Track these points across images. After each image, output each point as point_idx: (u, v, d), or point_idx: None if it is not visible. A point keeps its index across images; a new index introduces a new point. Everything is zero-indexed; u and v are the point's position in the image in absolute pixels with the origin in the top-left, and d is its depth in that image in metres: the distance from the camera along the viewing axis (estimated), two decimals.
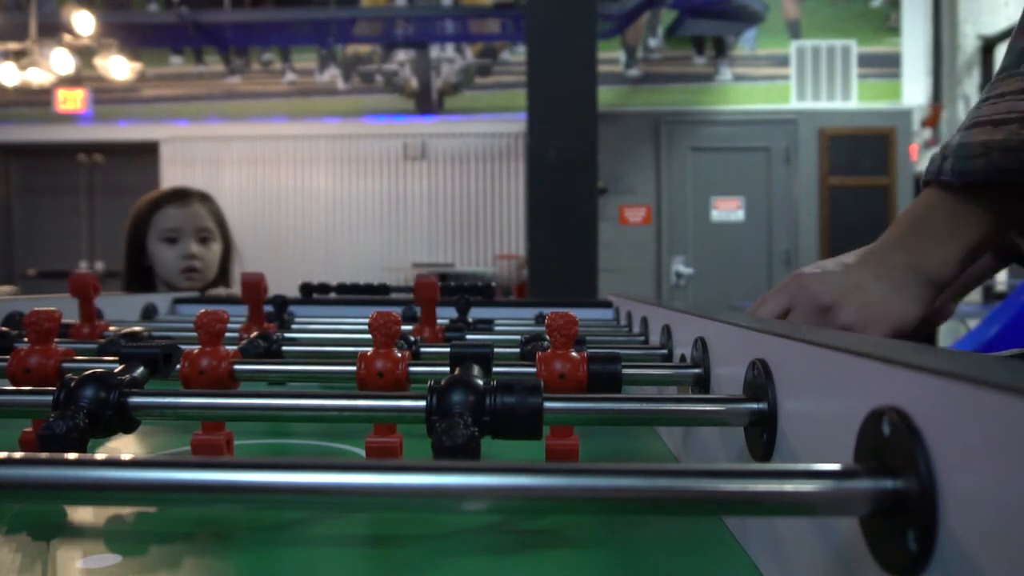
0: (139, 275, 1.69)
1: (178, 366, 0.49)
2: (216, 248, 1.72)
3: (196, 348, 0.50)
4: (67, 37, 5.07)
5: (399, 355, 0.48)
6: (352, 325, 1.01)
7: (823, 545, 0.28)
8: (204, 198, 1.75)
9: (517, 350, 0.64)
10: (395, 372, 0.47)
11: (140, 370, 0.43)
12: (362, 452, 0.58)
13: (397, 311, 0.51)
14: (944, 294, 0.60)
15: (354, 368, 0.48)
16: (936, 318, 0.65)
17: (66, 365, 0.50)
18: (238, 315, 1.15)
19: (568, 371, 0.46)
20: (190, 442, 0.49)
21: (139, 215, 1.69)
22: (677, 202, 5.72)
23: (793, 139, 5.68)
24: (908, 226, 0.61)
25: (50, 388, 0.40)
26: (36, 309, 0.51)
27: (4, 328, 0.72)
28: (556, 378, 0.46)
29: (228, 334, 0.65)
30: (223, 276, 1.76)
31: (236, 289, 1.74)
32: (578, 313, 0.52)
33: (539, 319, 1.08)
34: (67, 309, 1.03)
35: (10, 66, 5.01)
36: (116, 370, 0.41)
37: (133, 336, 0.70)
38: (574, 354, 0.47)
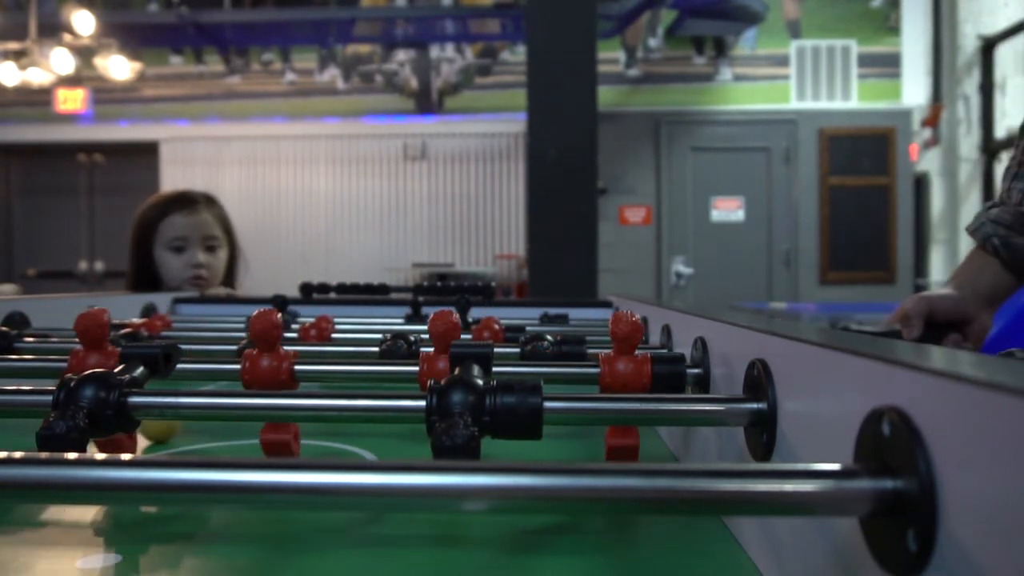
0: (145, 279, 1.68)
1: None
2: (222, 255, 1.71)
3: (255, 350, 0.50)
4: (67, 37, 5.06)
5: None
6: (353, 325, 1.01)
7: (823, 545, 0.28)
8: (210, 203, 1.73)
9: (517, 350, 0.64)
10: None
11: (140, 370, 0.43)
12: (364, 452, 0.58)
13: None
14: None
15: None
16: (982, 334, 0.90)
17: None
18: (239, 315, 1.15)
19: (631, 373, 0.47)
20: (259, 440, 0.47)
21: (145, 221, 1.68)
22: (677, 202, 5.72)
23: (793, 139, 5.68)
24: (971, 274, 0.91)
25: (50, 388, 0.40)
26: (85, 312, 0.51)
27: (4, 328, 0.72)
28: (620, 383, 0.47)
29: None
30: (229, 280, 1.76)
31: (243, 293, 1.74)
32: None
33: (543, 319, 1.09)
34: (72, 309, 1.03)
35: (10, 66, 5.01)
36: (116, 370, 0.41)
37: (133, 336, 0.70)
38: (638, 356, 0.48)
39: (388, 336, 0.68)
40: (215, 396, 0.42)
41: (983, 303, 0.88)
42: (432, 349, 0.48)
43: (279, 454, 0.46)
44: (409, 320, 1.11)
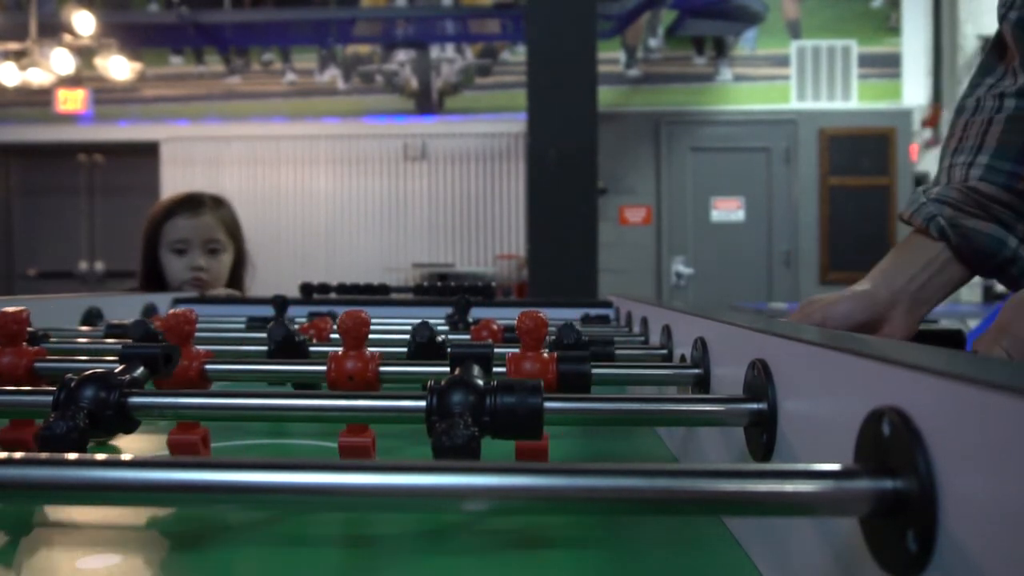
0: (153, 279, 1.69)
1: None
2: (226, 258, 1.71)
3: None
4: (67, 37, 5.06)
5: (369, 355, 0.48)
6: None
7: (823, 545, 0.28)
8: (218, 205, 1.72)
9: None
10: (365, 374, 0.47)
11: (140, 370, 0.43)
12: None
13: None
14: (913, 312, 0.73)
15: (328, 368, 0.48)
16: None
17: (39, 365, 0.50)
18: (239, 316, 1.15)
19: (537, 372, 0.47)
20: (167, 442, 0.48)
21: (152, 223, 1.69)
22: (677, 202, 5.72)
23: (793, 139, 5.68)
24: (897, 266, 0.75)
25: (50, 388, 0.40)
26: (3, 310, 0.51)
27: None
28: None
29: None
30: (234, 283, 1.75)
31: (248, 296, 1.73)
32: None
33: (585, 319, 1.06)
34: (73, 309, 1.03)
35: (10, 66, 5.01)
36: (116, 370, 0.41)
37: None
38: (544, 354, 0.48)
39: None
40: (215, 396, 0.42)
41: (905, 301, 0.71)
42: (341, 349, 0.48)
43: (187, 454, 0.47)
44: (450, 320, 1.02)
